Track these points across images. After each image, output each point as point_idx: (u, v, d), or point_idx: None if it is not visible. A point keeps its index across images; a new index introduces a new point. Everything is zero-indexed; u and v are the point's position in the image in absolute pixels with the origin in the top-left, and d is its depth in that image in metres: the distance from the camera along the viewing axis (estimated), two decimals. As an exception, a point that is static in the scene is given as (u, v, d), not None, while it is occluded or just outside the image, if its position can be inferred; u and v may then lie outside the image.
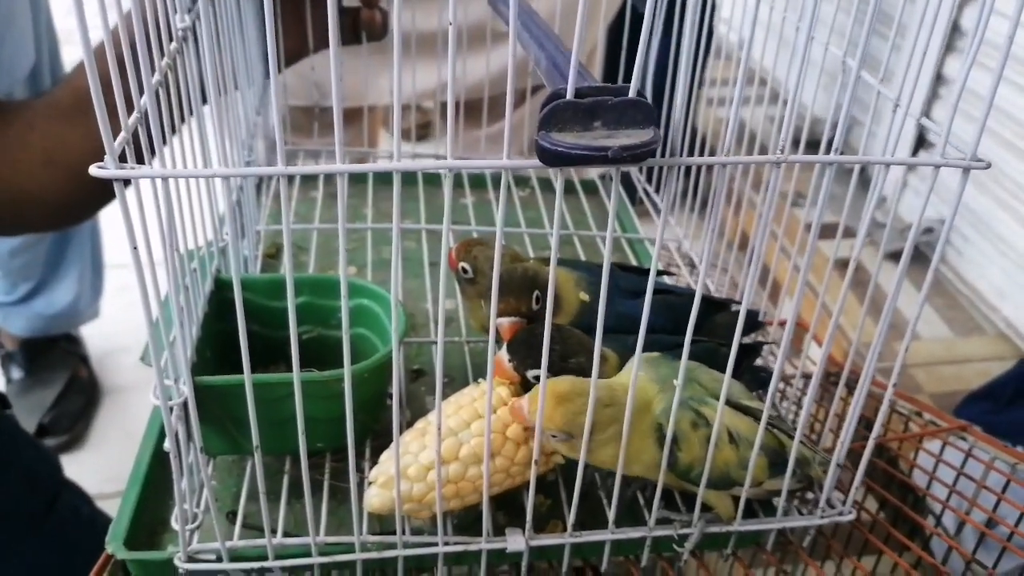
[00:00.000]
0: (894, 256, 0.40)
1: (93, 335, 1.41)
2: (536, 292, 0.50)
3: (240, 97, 0.63)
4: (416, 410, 0.57)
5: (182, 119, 0.43)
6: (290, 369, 0.55)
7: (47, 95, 0.64)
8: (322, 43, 0.72)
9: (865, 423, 0.55)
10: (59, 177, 0.62)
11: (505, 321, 0.49)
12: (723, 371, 0.41)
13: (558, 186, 0.35)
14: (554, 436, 0.42)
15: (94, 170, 0.31)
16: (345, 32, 0.72)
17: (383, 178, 0.83)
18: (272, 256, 0.74)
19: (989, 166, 0.35)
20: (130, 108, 0.34)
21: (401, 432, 0.48)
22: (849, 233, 0.44)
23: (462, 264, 0.53)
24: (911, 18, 1.51)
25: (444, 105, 0.96)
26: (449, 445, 0.45)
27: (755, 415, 0.45)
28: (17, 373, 1.32)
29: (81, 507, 0.87)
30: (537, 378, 0.47)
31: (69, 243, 1.25)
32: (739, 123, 0.70)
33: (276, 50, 0.31)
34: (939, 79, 1.63)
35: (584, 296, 0.52)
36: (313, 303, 0.55)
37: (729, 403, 0.45)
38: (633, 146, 0.31)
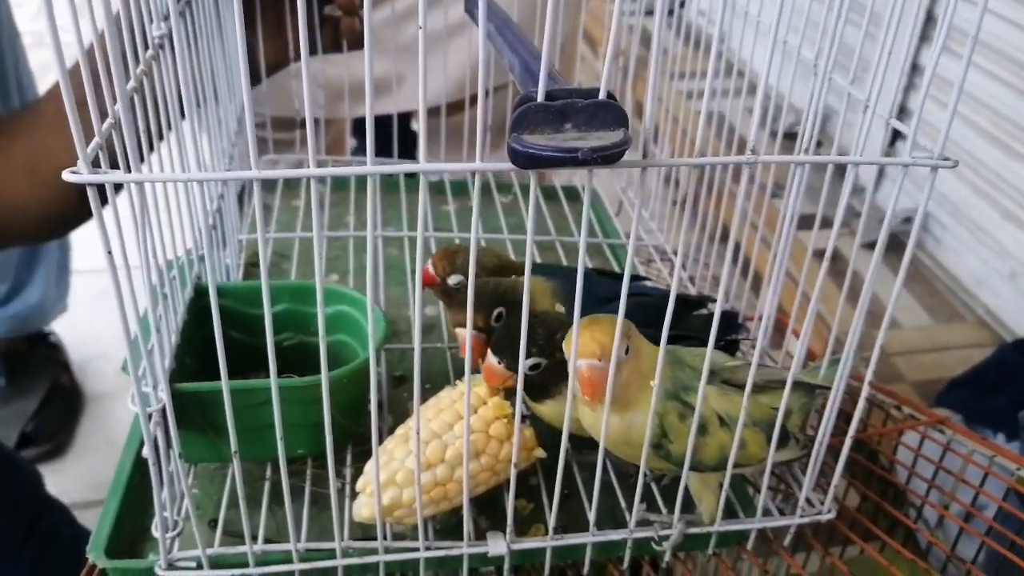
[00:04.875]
0: (873, 246, 0.40)
1: (73, 342, 1.40)
2: (499, 309, 0.51)
3: (220, 106, 0.63)
4: (399, 416, 0.57)
5: (159, 131, 0.43)
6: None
7: (32, 106, 0.64)
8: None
9: (845, 417, 0.56)
10: (42, 187, 0.61)
11: (463, 332, 0.50)
12: None
13: (532, 189, 0.35)
14: (595, 363, 0.40)
15: (67, 175, 0.31)
16: (327, 41, 0.72)
17: (365, 185, 0.83)
18: (255, 265, 0.74)
19: (956, 164, 0.35)
20: (104, 115, 0.34)
21: (382, 439, 0.48)
22: (827, 223, 0.44)
23: (456, 278, 0.53)
24: (883, 7, 1.53)
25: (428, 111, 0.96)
26: (434, 448, 0.45)
27: (743, 384, 0.45)
28: (-3, 382, 1.31)
29: (62, 528, 0.85)
30: (533, 368, 0.46)
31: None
32: (719, 117, 0.71)
33: (256, 59, 0.31)
34: (915, 68, 1.63)
35: (559, 308, 0.52)
36: (294, 310, 0.55)
37: (720, 382, 0.45)
38: (604, 147, 0.31)
